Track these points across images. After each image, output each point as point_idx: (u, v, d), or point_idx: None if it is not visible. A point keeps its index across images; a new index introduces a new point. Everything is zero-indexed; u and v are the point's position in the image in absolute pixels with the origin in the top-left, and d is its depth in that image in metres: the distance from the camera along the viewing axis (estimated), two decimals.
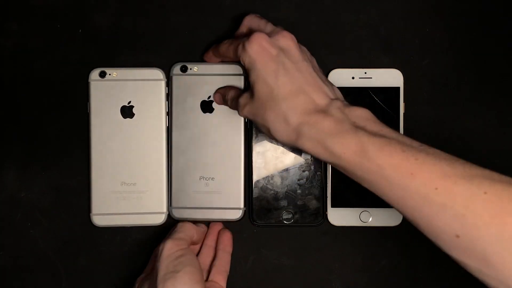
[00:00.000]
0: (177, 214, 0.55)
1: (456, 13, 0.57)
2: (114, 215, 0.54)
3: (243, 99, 0.48)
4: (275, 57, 0.45)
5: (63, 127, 0.55)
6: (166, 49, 0.56)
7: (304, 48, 0.49)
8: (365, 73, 0.55)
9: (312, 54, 0.52)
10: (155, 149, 0.55)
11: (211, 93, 0.55)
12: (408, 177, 0.39)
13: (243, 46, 0.46)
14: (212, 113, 0.55)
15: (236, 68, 0.55)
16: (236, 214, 0.55)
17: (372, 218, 0.55)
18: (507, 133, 0.57)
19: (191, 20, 0.56)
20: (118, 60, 0.56)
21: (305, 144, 0.44)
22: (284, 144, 0.46)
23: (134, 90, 0.54)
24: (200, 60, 0.56)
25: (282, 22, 0.56)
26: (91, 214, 0.55)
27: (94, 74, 0.55)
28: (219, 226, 0.55)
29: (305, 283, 0.56)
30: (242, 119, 0.55)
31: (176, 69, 0.55)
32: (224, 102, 0.53)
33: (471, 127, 0.56)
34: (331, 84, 0.47)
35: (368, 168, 0.41)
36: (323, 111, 0.43)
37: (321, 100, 0.44)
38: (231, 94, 0.52)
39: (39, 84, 0.56)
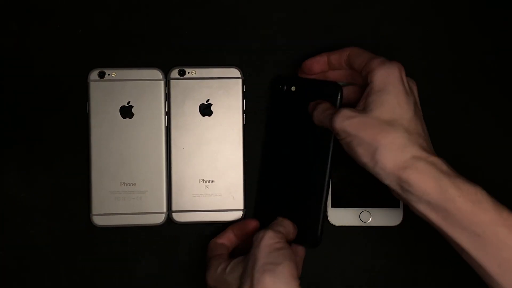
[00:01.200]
0: (177, 217, 0.55)
1: (456, 13, 0.56)
2: (114, 215, 0.55)
3: (348, 112, 0.46)
4: (409, 93, 0.46)
5: (62, 127, 0.56)
6: (166, 49, 0.56)
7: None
8: None
9: (313, 54, 0.53)
10: (155, 149, 0.55)
11: (210, 97, 0.55)
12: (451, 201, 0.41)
13: (383, 62, 0.46)
14: (211, 116, 0.55)
15: (234, 72, 0.55)
16: (237, 216, 0.55)
17: (372, 218, 0.55)
18: (506, 133, 0.56)
19: (190, 20, 0.56)
20: (118, 60, 0.56)
21: (413, 175, 0.43)
22: (376, 171, 0.44)
23: (133, 90, 0.54)
24: (199, 62, 0.56)
25: (282, 22, 0.56)
26: (91, 214, 0.55)
27: (93, 74, 0.54)
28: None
29: (305, 283, 0.56)
30: (241, 122, 0.55)
31: (174, 72, 0.55)
32: (313, 111, 0.51)
33: (471, 127, 0.56)
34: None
35: (482, 220, 0.41)
36: (437, 156, 0.44)
37: (431, 148, 0.45)
38: (322, 106, 0.50)
39: (39, 84, 0.56)
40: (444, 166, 0.43)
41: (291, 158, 0.53)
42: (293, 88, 0.53)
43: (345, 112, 0.46)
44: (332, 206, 0.55)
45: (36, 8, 0.56)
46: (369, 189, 0.55)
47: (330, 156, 0.50)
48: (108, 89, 0.54)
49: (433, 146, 0.46)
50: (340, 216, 0.56)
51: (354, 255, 0.56)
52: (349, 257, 0.56)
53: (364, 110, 0.45)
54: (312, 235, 0.51)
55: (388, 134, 0.44)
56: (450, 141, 0.55)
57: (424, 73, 0.56)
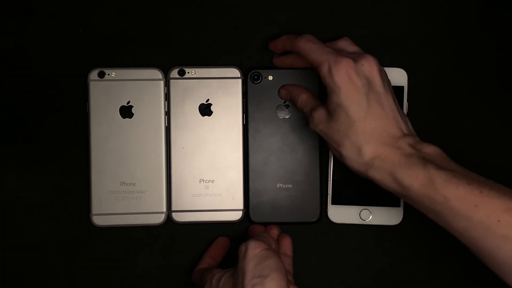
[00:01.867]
0: (177, 217, 0.55)
1: (458, 13, 0.56)
2: (113, 215, 0.55)
3: (319, 115, 0.49)
4: (360, 88, 0.46)
5: (62, 127, 0.56)
6: (165, 49, 0.56)
7: (384, 72, 0.49)
8: None
9: None
10: (154, 148, 0.55)
11: (209, 96, 0.55)
12: (472, 209, 0.41)
13: (329, 69, 0.47)
14: (211, 116, 0.55)
15: (233, 72, 0.55)
16: (237, 216, 0.55)
17: (372, 216, 0.55)
18: (507, 133, 0.56)
19: (190, 20, 0.56)
20: (118, 60, 0.56)
21: (375, 175, 0.46)
22: (350, 168, 0.48)
23: (133, 90, 0.54)
24: (198, 62, 0.56)
25: (283, 22, 0.56)
26: (91, 214, 0.55)
27: (93, 74, 0.54)
28: (276, 230, 0.53)
29: (305, 282, 0.56)
30: (241, 121, 0.55)
31: (174, 72, 0.55)
32: (291, 100, 0.54)
33: (472, 127, 0.56)
34: (406, 117, 0.49)
35: (435, 199, 0.43)
36: (395, 145, 0.46)
37: (395, 133, 0.46)
38: (303, 99, 0.52)
39: (39, 84, 0.56)
40: (397, 155, 0.45)
41: (276, 143, 0.55)
42: (270, 77, 0.54)
43: (316, 117, 0.49)
44: (333, 203, 0.55)
45: (36, 8, 0.56)
46: (369, 187, 0.55)
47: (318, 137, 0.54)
48: (108, 89, 0.54)
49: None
50: (340, 214, 0.56)
51: (353, 253, 0.56)
52: (349, 255, 0.56)
53: (329, 113, 0.48)
54: (313, 211, 0.54)
55: (347, 138, 0.46)
56: (451, 141, 0.55)
57: (425, 73, 0.56)
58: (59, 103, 0.56)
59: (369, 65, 0.47)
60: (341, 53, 0.48)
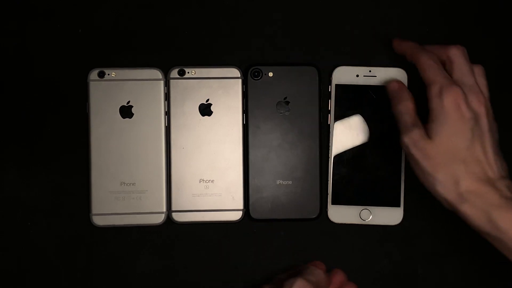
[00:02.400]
0: (177, 217, 0.55)
1: (457, 13, 0.56)
2: (113, 215, 0.55)
3: (417, 135, 0.48)
4: (468, 120, 0.46)
5: (62, 127, 0.56)
6: (166, 49, 0.56)
7: (491, 112, 0.49)
8: (370, 71, 0.55)
9: (317, 52, 0.54)
10: (154, 148, 0.55)
11: (209, 96, 0.55)
12: None
13: (440, 92, 0.47)
14: (211, 116, 0.55)
15: (233, 72, 0.55)
16: (237, 216, 0.55)
17: (372, 216, 0.55)
18: (507, 133, 0.56)
19: (190, 20, 0.56)
20: (118, 60, 0.56)
21: (468, 210, 0.45)
22: (440, 200, 0.47)
23: (133, 90, 0.54)
24: (198, 62, 0.56)
25: (282, 22, 0.56)
26: (91, 214, 0.55)
27: (93, 74, 0.55)
28: (341, 276, 0.53)
29: None
30: (241, 121, 0.55)
31: (174, 72, 0.55)
32: (393, 99, 0.52)
33: None
34: (502, 161, 0.48)
35: None
36: (494, 185, 0.45)
37: (492, 174, 0.46)
38: (405, 108, 0.50)
39: (39, 84, 0.56)
40: (495, 196, 0.44)
41: (276, 139, 0.55)
42: (270, 74, 0.54)
43: (414, 135, 0.48)
44: (332, 203, 0.55)
45: (36, 8, 0.56)
46: (370, 187, 0.55)
47: (319, 129, 0.54)
48: (108, 89, 0.54)
49: None
50: (340, 214, 0.56)
51: (353, 252, 0.56)
52: (348, 255, 0.56)
53: (428, 136, 0.47)
54: (313, 207, 0.54)
55: (445, 166, 0.46)
56: None
57: None
58: (59, 103, 0.56)
59: (478, 103, 0.47)
60: (455, 81, 0.48)
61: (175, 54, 0.56)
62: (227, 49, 0.56)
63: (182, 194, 0.55)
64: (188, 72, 0.55)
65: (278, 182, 0.55)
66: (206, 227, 0.56)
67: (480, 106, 0.47)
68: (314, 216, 0.55)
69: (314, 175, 0.55)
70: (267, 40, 0.56)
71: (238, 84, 0.55)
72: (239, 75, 0.55)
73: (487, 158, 0.46)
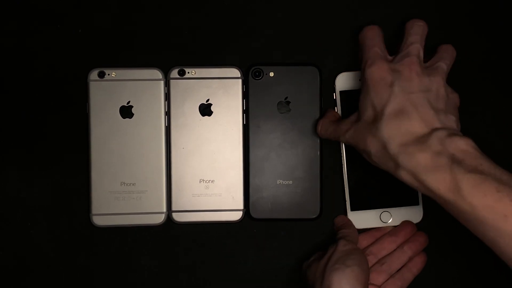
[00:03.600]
0: (177, 217, 0.55)
1: (457, 13, 0.56)
2: (113, 215, 0.55)
3: (345, 125, 0.49)
4: (388, 84, 0.45)
5: (62, 127, 0.56)
6: (166, 49, 0.56)
7: (427, 73, 0.46)
8: None
9: (317, 52, 0.54)
10: (154, 149, 0.55)
11: (209, 97, 0.55)
12: (502, 219, 0.38)
13: (364, 67, 0.47)
14: (211, 116, 0.55)
15: (234, 72, 0.55)
16: (237, 216, 0.55)
17: (392, 218, 0.55)
18: (507, 133, 0.56)
19: (190, 20, 0.56)
20: (118, 60, 0.56)
21: (403, 176, 0.43)
22: (386, 171, 0.46)
23: (133, 90, 0.54)
24: (198, 62, 0.56)
25: (282, 22, 0.56)
26: (91, 214, 0.55)
27: (93, 74, 0.54)
28: (411, 228, 0.54)
29: (305, 283, 0.56)
30: (241, 121, 0.55)
31: (174, 72, 0.55)
32: (325, 132, 0.53)
33: (471, 127, 0.56)
34: (452, 115, 0.46)
35: (462, 207, 0.40)
36: (422, 142, 0.43)
37: (422, 129, 0.43)
38: (323, 125, 0.52)
39: (39, 84, 0.56)
40: (422, 155, 0.42)
41: (276, 139, 0.55)
42: (271, 74, 0.54)
43: (343, 127, 0.49)
44: (352, 209, 0.55)
45: (36, 8, 0.56)
46: (387, 189, 0.55)
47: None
48: (108, 89, 0.54)
49: None
50: (361, 219, 0.55)
51: None
52: None
53: (356, 118, 0.48)
54: (313, 207, 0.55)
55: (372, 135, 0.45)
56: None
57: None
58: (59, 103, 0.56)
59: (404, 66, 0.46)
60: (385, 56, 0.47)
61: (175, 54, 0.56)
62: (227, 49, 0.56)
63: (182, 194, 0.55)
64: (188, 72, 0.55)
65: (278, 182, 0.55)
66: (206, 227, 0.56)
67: (407, 67, 0.45)
68: (314, 216, 0.55)
69: (315, 175, 0.55)
70: (268, 40, 0.56)
71: (238, 84, 0.55)
72: (239, 75, 0.55)
73: (417, 113, 0.43)
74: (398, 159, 0.43)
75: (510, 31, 0.56)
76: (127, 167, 0.54)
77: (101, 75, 0.55)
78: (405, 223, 0.55)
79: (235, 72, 0.55)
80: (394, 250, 0.54)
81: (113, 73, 0.55)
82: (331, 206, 0.56)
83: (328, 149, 0.56)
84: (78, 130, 0.55)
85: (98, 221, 0.55)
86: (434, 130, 0.43)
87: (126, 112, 0.55)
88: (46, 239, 0.55)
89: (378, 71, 0.46)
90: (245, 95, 0.55)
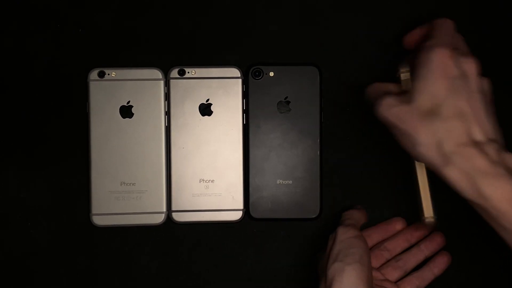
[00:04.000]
0: (177, 217, 0.55)
1: (457, 13, 0.56)
2: (113, 215, 0.55)
3: (392, 99, 0.45)
4: (453, 77, 0.43)
5: (62, 127, 0.56)
6: (166, 49, 0.56)
7: (486, 81, 0.46)
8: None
9: (318, 52, 0.54)
10: (154, 148, 0.55)
11: (209, 96, 0.55)
12: None
13: (430, 47, 0.44)
14: (211, 116, 0.55)
15: (234, 72, 0.55)
16: (237, 216, 0.55)
17: None
18: (507, 133, 0.56)
19: (190, 20, 0.56)
20: (118, 60, 0.56)
21: (451, 173, 0.42)
22: (420, 161, 0.45)
23: (133, 90, 0.54)
24: (198, 61, 0.56)
25: (282, 22, 0.56)
26: (91, 214, 0.55)
27: (93, 74, 0.54)
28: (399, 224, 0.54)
29: (305, 282, 0.56)
30: (241, 121, 0.55)
31: (174, 72, 0.55)
32: (367, 98, 0.50)
33: None
34: (495, 125, 0.45)
35: None
36: (479, 148, 0.42)
37: (479, 135, 0.42)
38: (372, 87, 0.49)
39: (39, 84, 0.56)
40: (480, 159, 0.41)
41: (276, 139, 0.55)
42: (271, 74, 0.54)
43: (388, 101, 0.45)
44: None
45: (36, 8, 0.56)
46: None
47: (320, 129, 0.55)
48: (108, 89, 0.54)
49: None
50: None
51: None
52: None
53: (408, 97, 0.44)
54: (313, 207, 0.55)
55: (426, 126, 0.43)
56: None
57: None
58: (59, 103, 0.56)
59: (468, 63, 0.44)
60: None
61: (175, 54, 0.56)
62: (227, 49, 0.56)
63: (182, 194, 0.55)
64: (188, 72, 0.55)
65: (278, 181, 0.55)
66: (206, 227, 0.56)
67: (471, 67, 0.44)
68: (314, 216, 0.55)
69: (315, 175, 0.55)
70: (268, 40, 0.56)
71: (238, 84, 0.55)
72: (239, 75, 0.55)
73: (475, 117, 0.43)
74: (452, 158, 0.42)
75: (510, 31, 0.56)
76: (127, 167, 0.54)
77: (101, 75, 0.55)
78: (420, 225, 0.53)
79: (235, 72, 0.55)
80: (410, 247, 0.53)
81: (113, 73, 0.55)
82: (331, 206, 0.56)
83: (328, 149, 0.56)
84: (78, 130, 0.55)
85: (98, 221, 0.55)
86: (490, 140, 0.43)
87: (126, 112, 0.55)
88: (46, 239, 0.55)
89: (443, 58, 0.43)
90: (245, 95, 0.55)
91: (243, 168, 0.55)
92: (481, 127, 0.43)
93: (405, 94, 0.45)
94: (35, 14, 0.56)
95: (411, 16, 0.57)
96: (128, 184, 0.54)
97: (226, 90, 0.55)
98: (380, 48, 0.56)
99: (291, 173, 0.55)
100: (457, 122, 0.42)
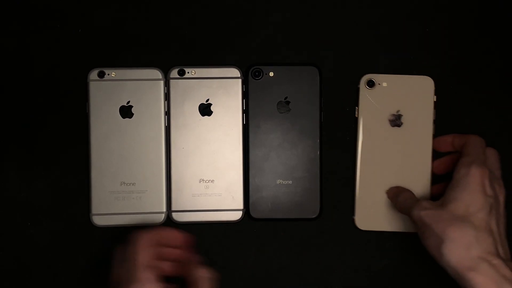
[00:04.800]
0: (177, 217, 0.55)
1: (458, 13, 0.56)
2: (113, 215, 0.55)
3: (426, 203, 0.48)
4: (488, 196, 0.46)
5: (62, 127, 0.56)
6: (165, 49, 0.56)
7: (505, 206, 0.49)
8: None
9: (317, 52, 0.55)
10: (154, 148, 0.55)
11: (209, 96, 0.55)
12: None
13: (470, 164, 0.47)
14: (211, 116, 0.55)
15: (233, 72, 0.55)
16: (237, 216, 0.55)
17: None
18: (508, 133, 0.56)
19: (190, 20, 0.56)
20: (117, 60, 0.56)
21: (477, 278, 0.43)
22: (442, 264, 0.46)
23: (133, 90, 0.54)
24: (198, 62, 0.56)
25: (282, 22, 0.56)
26: (90, 214, 0.55)
27: (93, 74, 0.55)
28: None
29: (305, 283, 0.56)
30: (241, 121, 0.55)
31: (174, 72, 0.55)
32: (394, 200, 0.54)
33: (471, 127, 0.56)
34: (508, 247, 0.48)
35: None
36: (504, 260, 0.44)
37: (503, 253, 0.46)
38: (403, 196, 0.52)
39: (39, 84, 0.56)
40: (507, 270, 0.43)
41: (276, 139, 0.55)
42: (271, 74, 0.54)
43: (424, 204, 0.48)
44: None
45: (36, 8, 0.56)
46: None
47: (319, 129, 0.55)
48: (108, 89, 0.54)
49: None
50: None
51: (353, 253, 0.56)
52: (349, 255, 0.56)
53: (442, 204, 0.47)
54: (313, 207, 0.55)
55: (457, 229, 0.45)
56: None
57: (424, 73, 0.56)
58: (59, 103, 0.56)
59: (500, 189, 0.48)
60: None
61: (175, 54, 0.56)
62: (227, 49, 0.56)
63: (182, 194, 0.55)
64: (188, 72, 0.55)
65: (278, 181, 0.55)
66: (206, 227, 0.56)
67: (501, 193, 0.48)
68: (314, 216, 0.55)
69: (315, 175, 0.55)
70: (268, 40, 0.56)
71: (238, 84, 0.55)
72: (239, 75, 0.55)
73: (500, 237, 0.46)
74: (480, 264, 0.43)
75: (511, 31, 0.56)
76: (127, 167, 0.54)
77: (101, 75, 0.55)
78: None
79: (235, 72, 0.55)
80: None
81: (113, 73, 0.55)
82: (331, 206, 0.56)
83: (328, 149, 0.56)
84: (78, 130, 0.55)
85: (98, 221, 0.55)
86: (508, 259, 0.46)
87: (126, 112, 0.55)
88: (46, 239, 0.55)
89: (483, 176, 0.47)
90: (245, 95, 0.55)
91: (243, 168, 0.55)
92: (503, 246, 0.46)
93: (438, 201, 0.48)
94: (35, 14, 0.56)
95: (411, 16, 0.57)
96: (128, 184, 0.54)
97: (226, 90, 0.55)
98: (381, 48, 0.56)
99: (291, 173, 0.55)
100: (487, 234, 0.45)
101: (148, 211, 0.55)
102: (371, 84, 0.54)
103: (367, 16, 0.56)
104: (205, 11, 0.56)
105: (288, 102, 0.55)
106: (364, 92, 0.54)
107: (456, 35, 0.56)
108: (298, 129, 0.55)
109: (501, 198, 0.48)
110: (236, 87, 0.55)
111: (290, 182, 0.55)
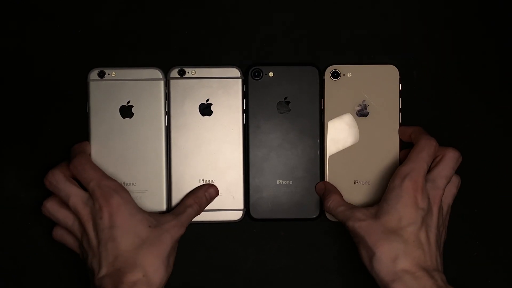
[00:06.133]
0: None
1: (458, 13, 0.56)
2: None
3: (361, 214, 0.49)
4: (419, 208, 0.47)
5: (62, 127, 0.56)
6: (166, 49, 0.56)
7: (445, 216, 0.51)
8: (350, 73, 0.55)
9: (317, 52, 0.55)
10: (155, 148, 0.55)
11: (209, 96, 0.55)
12: None
13: (405, 175, 0.48)
14: (211, 116, 0.55)
15: (233, 71, 0.55)
16: (237, 216, 0.55)
17: None
18: (508, 133, 0.56)
19: (190, 20, 0.56)
20: (118, 60, 0.56)
21: None
22: (372, 274, 0.48)
23: (133, 90, 0.54)
24: (198, 61, 0.56)
25: (282, 22, 0.56)
26: None
27: (93, 74, 0.55)
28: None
29: (305, 283, 0.56)
30: (241, 121, 0.55)
31: (174, 72, 0.55)
32: (323, 197, 0.54)
33: (470, 127, 0.56)
34: (441, 259, 0.49)
35: None
36: (429, 272, 0.46)
37: (430, 264, 0.47)
38: (336, 201, 0.52)
39: (39, 84, 0.56)
40: (429, 281, 0.45)
41: (276, 139, 0.55)
42: (271, 74, 0.54)
43: (358, 215, 0.49)
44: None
45: (36, 8, 0.56)
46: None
47: (319, 130, 0.55)
48: (108, 89, 0.54)
49: None
50: None
51: (353, 253, 0.56)
52: (349, 255, 0.56)
53: (376, 214, 0.49)
54: (313, 207, 0.55)
55: (386, 243, 0.47)
56: (450, 140, 0.55)
57: (425, 73, 0.56)
58: (59, 103, 0.56)
59: (435, 199, 0.48)
60: (426, 175, 0.49)
61: (175, 54, 0.56)
62: (227, 49, 0.56)
63: (182, 194, 0.55)
64: (188, 72, 0.55)
65: (278, 182, 0.55)
66: (206, 227, 0.56)
67: (435, 203, 0.48)
68: (314, 216, 0.55)
69: (315, 175, 0.55)
70: (268, 40, 0.56)
71: (238, 84, 0.55)
72: (239, 75, 0.55)
73: (429, 249, 0.47)
74: (403, 276, 0.45)
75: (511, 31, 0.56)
76: (127, 167, 0.54)
77: (101, 75, 0.55)
78: None
79: (235, 72, 0.55)
80: None
81: (113, 73, 0.55)
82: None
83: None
84: (78, 130, 0.55)
85: None
86: (437, 270, 0.47)
87: (126, 112, 0.55)
88: (46, 239, 0.55)
89: (415, 190, 0.48)
90: (245, 95, 0.55)
91: (243, 168, 0.55)
92: (431, 257, 0.47)
93: (372, 209, 0.50)
94: (35, 14, 0.56)
95: (411, 16, 0.57)
96: (128, 184, 0.54)
97: (226, 90, 0.55)
98: (380, 48, 0.56)
99: (291, 173, 0.55)
100: (415, 247, 0.46)
101: (148, 211, 0.54)
102: (335, 75, 0.54)
103: (367, 16, 0.56)
104: (205, 11, 0.56)
105: (288, 102, 0.55)
106: (329, 83, 0.54)
107: (456, 35, 0.56)
108: (298, 129, 0.55)
109: (435, 209, 0.48)
110: (236, 87, 0.55)
111: (290, 182, 0.55)
